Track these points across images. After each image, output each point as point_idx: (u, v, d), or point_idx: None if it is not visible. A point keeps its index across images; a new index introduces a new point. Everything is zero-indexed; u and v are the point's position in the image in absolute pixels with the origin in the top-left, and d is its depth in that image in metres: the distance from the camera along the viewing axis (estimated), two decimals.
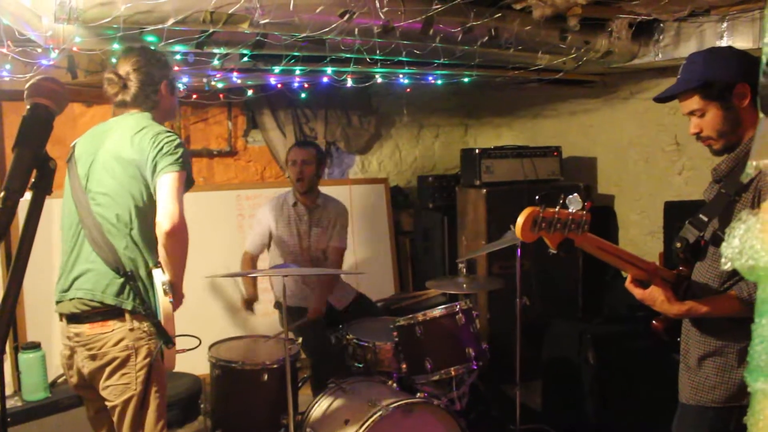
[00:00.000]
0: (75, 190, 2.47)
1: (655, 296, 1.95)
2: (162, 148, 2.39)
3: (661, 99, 2.07)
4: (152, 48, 2.68)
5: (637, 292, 1.98)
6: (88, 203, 2.43)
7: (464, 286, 3.53)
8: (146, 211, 2.41)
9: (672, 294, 1.96)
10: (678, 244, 2.02)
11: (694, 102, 1.97)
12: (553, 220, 1.67)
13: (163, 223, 2.30)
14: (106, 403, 2.43)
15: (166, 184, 2.35)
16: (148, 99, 2.56)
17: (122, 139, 2.45)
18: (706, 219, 1.97)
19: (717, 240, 1.96)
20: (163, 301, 2.34)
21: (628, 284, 2.01)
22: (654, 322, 2.08)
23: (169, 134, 2.46)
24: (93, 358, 2.40)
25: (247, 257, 4.02)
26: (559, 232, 1.70)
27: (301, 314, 3.73)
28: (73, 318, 2.42)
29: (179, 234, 2.32)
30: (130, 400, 2.39)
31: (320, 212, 3.97)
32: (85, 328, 2.39)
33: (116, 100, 2.58)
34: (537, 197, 1.70)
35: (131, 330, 2.38)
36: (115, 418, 2.42)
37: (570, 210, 1.72)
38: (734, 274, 1.92)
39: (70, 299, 2.41)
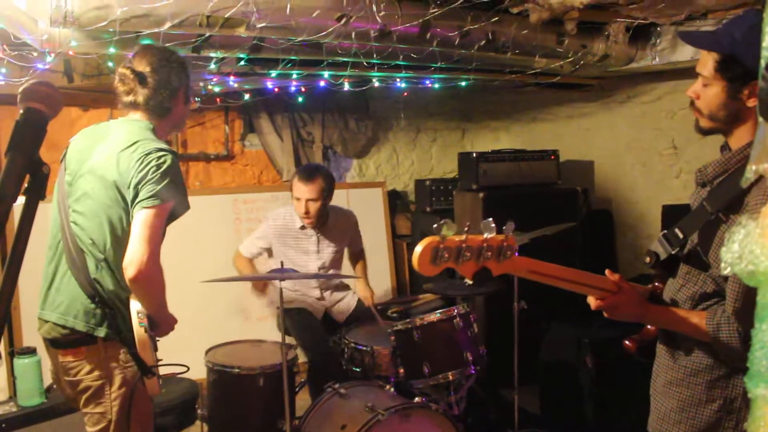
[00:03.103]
0: (61, 195, 2.31)
1: (616, 302, 1.71)
2: (147, 173, 2.14)
3: (685, 40, 1.82)
4: (171, 49, 2.45)
5: (594, 303, 1.75)
6: (68, 214, 2.27)
7: (462, 285, 3.55)
8: (124, 241, 2.18)
9: (637, 296, 1.75)
10: (647, 259, 1.83)
11: (707, 67, 1.67)
12: (460, 249, 1.44)
13: (128, 269, 2.11)
14: (87, 429, 2.34)
15: (140, 222, 2.13)
16: (161, 106, 2.33)
17: (109, 157, 2.23)
18: (681, 235, 1.75)
19: (693, 259, 1.76)
20: (137, 331, 2.19)
21: (596, 309, 1.76)
22: (626, 342, 1.85)
23: (161, 154, 2.19)
24: (71, 385, 2.31)
25: (243, 259, 3.92)
26: (471, 261, 1.47)
27: (304, 315, 3.72)
28: (49, 343, 2.32)
29: (145, 281, 2.13)
30: (106, 430, 2.29)
31: (331, 231, 3.86)
32: (59, 355, 2.29)
33: (125, 100, 2.33)
34: (434, 225, 1.45)
35: (104, 358, 2.25)
36: None
37: (485, 236, 1.48)
38: (708, 298, 1.74)
39: (46, 321, 2.30)
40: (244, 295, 4.75)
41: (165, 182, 2.15)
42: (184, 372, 2.41)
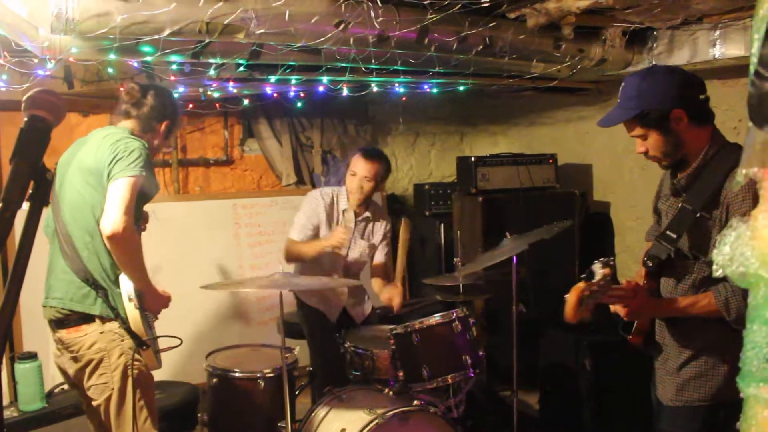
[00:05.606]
0: (53, 200, 2.57)
1: (639, 305, 2.04)
2: (117, 154, 2.46)
3: (604, 125, 2.14)
4: (170, 90, 2.95)
5: (622, 312, 2.08)
6: (59, 214, 2.54)
7: (460, 278, 3.60)
8: None
9: (649, 296, 2.09)
10: (650, 263, 2.10)
11: (636, 129, 2.06)
12: (595, 292, 1.89)
13: (104, 228, 2.39)
14: (93, 402, 2.59)
15: (114, 189, 2.43)
16: (148, 122, 2.70)
17: (89, 150, 2.56)
18: (674, 236, 2.04)
19: (686, 254, 2.06)
20: (128, 307, 2.48)
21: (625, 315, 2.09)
22: (630, 337, 2.17)
23: (129, 140, 2.52)
24: (74, 360, 2.56)
25: (298, 244, 3.64)
26: (593, 300, 1.92)
27: (318, 316, 3.72)
28: (53, 323, 2.59)
29: (120, 240, 2.39)
30: (110, 398, 2.54)
31: (368, 225, 3.78)
32: (63, 333, 2.55)
33: (122, 108, 2.70)
34: (582, 276, 1.94)
35: (102, 333, 2.52)
36: (102, 417, 2.58)
37: (598, 278, 1.91)
38: (706, 281, 2.02)
39: (48, 306, 2.57)
40: (244, 299, 4.78)
41: (134, 159, 2.46)
42: (178, 345, 2.59)
